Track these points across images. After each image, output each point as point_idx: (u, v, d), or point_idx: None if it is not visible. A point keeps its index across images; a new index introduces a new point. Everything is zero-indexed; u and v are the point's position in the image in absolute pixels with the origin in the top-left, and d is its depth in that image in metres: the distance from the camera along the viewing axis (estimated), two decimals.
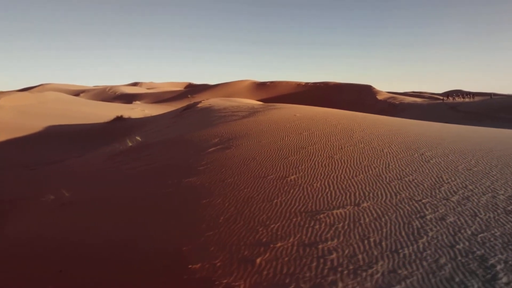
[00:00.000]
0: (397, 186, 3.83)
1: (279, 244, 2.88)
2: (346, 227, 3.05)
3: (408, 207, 3.32)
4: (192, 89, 66.89)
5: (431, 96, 54.67)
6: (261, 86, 62.24)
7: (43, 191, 6.74)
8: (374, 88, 54.01)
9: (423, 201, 3.43)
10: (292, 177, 4.33)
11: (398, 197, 3.56)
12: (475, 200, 3.37)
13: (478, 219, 3.00)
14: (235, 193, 4.09)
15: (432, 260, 2.48)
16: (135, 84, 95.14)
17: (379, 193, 3.70)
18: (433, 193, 3.60)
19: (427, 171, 4.26)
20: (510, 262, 2.36)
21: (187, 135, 8.28)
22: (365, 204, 3.45)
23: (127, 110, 30.22)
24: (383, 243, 2.75)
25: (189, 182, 4.82)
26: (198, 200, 4.11)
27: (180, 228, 3.57)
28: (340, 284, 2.31)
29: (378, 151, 5.18)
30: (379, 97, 49.90)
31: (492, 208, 3.16)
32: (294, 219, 3.27)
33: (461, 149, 5.18)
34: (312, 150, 5.39)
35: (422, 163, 4.57)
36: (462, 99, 43.70)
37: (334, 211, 3.35)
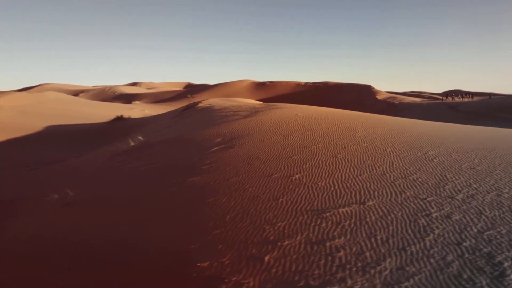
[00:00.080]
0: (401, 185, 3.85)
1: (286, 242, 2.90)
2: (352, 225, 3.07)
3: (413, 205, 3.34)
4: (192, 89, 66.85)
5: (431, 96, 54.79)
6: (260, 86, 62.25)
7: (47, 190, 6.75)
8: (373, 88, 54.08)
9: (428, 199, 3.45)
10: (297, 176, 4.35)
11: (403, 195, 3.59)
12: (480, 198, 3.39)
13: (483, 217, 3.02)
14: (241, 192, 4.10)
15: (439, 257, 2.50)
16: (134, 84, 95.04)
17: (384, 191, 3.72)
18: (438, 191, 3.63)
19: (431, 170, 4.29)
20: None
21: (189, 135, 8.30)
22: (370, 203, 3.47)
23: (127, 110, 30.20)
24: (390, 241, 2.77)
25: (193, 181, 4.83)
26: (203, 199, 4.12)
27: (186, 227, 3.58)
28: (349, 281, 2.33)
29: (382, 150, 5.20)
30: (379, 97, 49.97)
31: (497, 206, 3.19)
32: (301, 218, 3.29)
33: (464, 148, 5.20)
34: (315, 149, 5.41)
35: (425, 162, 4.59)
36: (461, 99, 43.80)
37: (340, 210, 3.37)
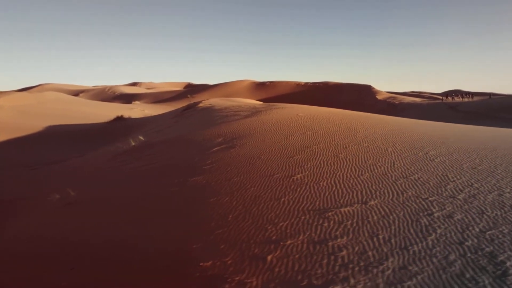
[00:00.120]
0: (403, 185, 3.86)
1: (289, 242, 2.91)
2: (354, 224, 3.08)
3: (415, 205, 3.35)
4: (192, 89, 66.85)
5: (431, 96, 54.81)
6: (260, 86, 62.26)
7: (47, 190, 6.75)
8: (373, 88, 54.10)
9: (430, 199, 3.46)
10: (298, 176, 4.35)
11: (405, 195, 3.59)
12: (482, 198, 3.40)
13: (485, 216, 3.03)
14: (242, 192, 4.11)
15: (441, 256, 2.51)
16: (134, 84, 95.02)
17: (385, 191, 3.73)
18: (439, 191, 3.63)
19: (432, 169, 4.29)
20: None
21: (190, 135, 8.30)
22: (372, 202, 3.48)
23: (127, 110, 30.20)
24: (392, 240, 2.78)
25: (194, 181, 4.84)
26: (205, 199, 4.13)
27: (188, 227, 3.59)
28: (352, 280, 2.34)
29: (383, 150, 5.21)
30: (379, 97, 49.98)
31: (499, 206, 3.19)
32: (303, 217, 3.30)
33: (465, 148, 5.21)
34: (316, 149, 5.42)
35: (426, 161, 4.60)
36: (461, 99, 43.82)
37: (342, 209, 3.38)
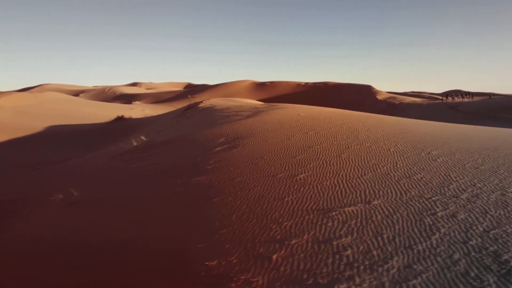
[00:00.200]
0: (406, 184, 3.88)
1: (293, 241, 2.92)
2: (358, 224, 3.10)
3: (418, 205, 3.37)
4: (192, 89, 66.87)
5: (431, 96, 54.86)
6: (260, 86, 62.29)
7: (50, 190, 6.77)
8: (373, 88, 54.14)
9: (433, 198, 3.48)
10: (302, 176, 4.37)
11: (408, 195, 3.61)
12: (485, 197, 3.42)
13: (489, 216, 3.05)
14: (246, 191, 4.13)
15: (446, 255, 2.52)
16: (134, 84, 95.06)
17: (388, 191, 3.75)
18: (442, 191, 3.65)
19: (434, 169, 4.31)
20: None
21: (192, 135, 8.32)
22: (375, 202, 3.49)
23: (127, 110, 30.24)
24: (397, 240, 2.80)
25: (198, 181, 4.86)
26: (209, 199, 4.15)
27: (193, 226, 3.61)
28: (357, 279, 2.35)
29: (385, 150, 5.23)
30: (379, 97, 50.03)
31: (502, 206, 3.21)
32: (307, 217, 3.32)
33: (467, 148, 5.23)
34: (319, 149, 5.44)
35: (429, 161, 4.62)
36: (461, 99, 43.86)
37: (346, 209, 3.40)
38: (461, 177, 4.01)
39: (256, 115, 9.28)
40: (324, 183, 4.10)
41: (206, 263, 2.83)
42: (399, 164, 4.55)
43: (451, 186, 3.76)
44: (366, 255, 2.62)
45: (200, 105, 17.06)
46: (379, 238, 2.84)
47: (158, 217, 4.18)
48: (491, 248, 2.56)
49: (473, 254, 2.51)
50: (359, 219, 3.17)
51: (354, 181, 4.09)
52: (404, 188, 3.79)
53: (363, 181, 4.05)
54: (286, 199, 3.76)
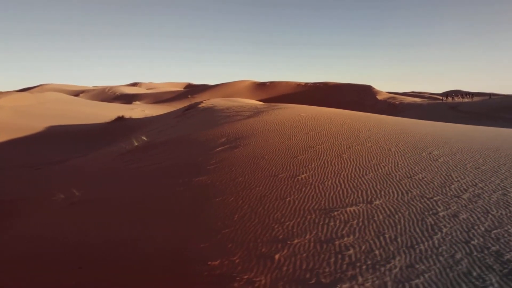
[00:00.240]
0: (407, 184, 3.89)
1: (296, 241, 2.93)
2: (360, 224, 3.10)
3: (420, 205, 3.37)
4: (192, 89, 66.88)
5: (431, 96, 54.88)
6: (261, 86, 62.30)
7: (51, 191, 6.78)
8: (374, 88, 54.15)
9: (435, 198, 3.49)
10: (303, 176, 4.38)
11: (410, 194, 3.62)
12: (486, 197, 3.43)
13: (490, 216, 3.06)
14: (247, 191, 4.14)
15: (448, 255, 2.53)
16: (134, 84, 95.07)
17: (390, 191, 3.76)
18: (444, 191, 3.66)
19: (436, 169, 4.32)
20: None
21: (193, 135, 8.33)
22: (377, 202, 3.50)
23: (127, 110, 30.24)
24: (399, 239, 2.81)
25: (199, 181, 4.87)
26: (210, 199, 4.15)
27: (195, 226, 3.62)
28: (360, 279, 2.36)
29: (386, 150, 5.24)
30: (379, 97, 50.04)
31: (504, 206, 3.22)
32: (309, 217, 3.33)
33: (468, 148, 5.24)
34: (320, 149, 5.45)
35: (430, 161, 4.63)
36: (461, 99, 43.89)
37: (348, 209, 3.41)
38: (462, 177, 4.02)
39: (257, 115, 9.29)
40: (326, 183, 4.11)
41: (209, 262, 2.84)
42: (400, 164, 4.56)
43: (453, 186, 3.77)
44: (369, 255, 2.63)
45: (201, 105, 17.07)
46: (381, 238, 2.85)
47: (159, 217, 4.19)
48: (493, 248, 2.57)
49: (475, 253, 2.52)
50: (361, 219, 3.18)
51: (356, 181, 4.10)
52: (405, 188, 3.80)
53: (365, 181, 4.06)
54: (288, 199, 3.77)
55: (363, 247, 2.74)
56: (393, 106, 42.87)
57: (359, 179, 4.13)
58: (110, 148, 11.78)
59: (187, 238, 3.41)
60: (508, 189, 3.59)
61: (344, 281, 2.36)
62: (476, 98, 43.66)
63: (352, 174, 4.33)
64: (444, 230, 2.88)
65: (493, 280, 2.22)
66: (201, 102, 18.86)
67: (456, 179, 3.95)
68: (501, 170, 4.18)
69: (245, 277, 2.56)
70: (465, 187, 3.72)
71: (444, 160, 4.67)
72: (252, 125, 7.93)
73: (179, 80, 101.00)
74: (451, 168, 4.35)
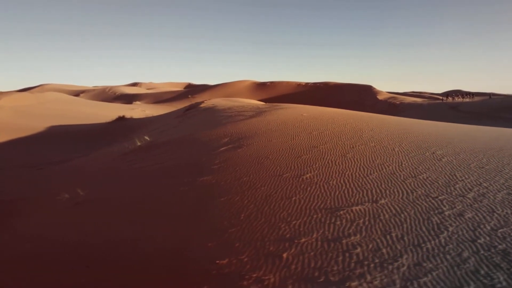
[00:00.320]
0: (412, 184, 3.91)
1: (303, 240, 2.95)
2: (367, 222, 3.13)
3: (425, 204, 3.40)
4: (192, 89, 66.88)
5: (431, 96, 54.93)
6: (261, 86, 62.32)
7: (53, 191, 6.79)
8: (374, 88, 54.19)
9: (440, 198, 3.51)
10: (308, 175, 4.40)
11: (415, 194, 3.64)
12: (491, 197, 3.45)
13: (496, 215, 3.08)
14: (253, 191, 4.16)
15: (455, 254, 2.55)
16: (134, 85, 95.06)
17: (395, 190, 3.78)
18: (449, 190, 3.68)
19: (440, 169, 4.34)
20: None
21: (196, 135, 8.35)
22: (382, 201, 3.52)
23: (128, 110, 30.24)
24: (405, 238, 2.83)
25: (204, 181, 4.89)
26: (216, 198, 4.17)
27: (201, 226, 3.63)
28: (368, 277, 2.38)
29: (390, 149, 5.26)
30: (380, 97, 50.08)
31: (509, 205, 3.24)
32: (315, 216, 3.35)
33: (472, 147, 5.26)
34: (324, 149, 5.47)
35: (434, 161, 4.65)
36: (461, 99, 43.93)
37: (353, 208, 3.43)
38: (466, 176, 4.04)
39: (259, 115, 9.31)
40: (331, 182, 4.13)
41: (217, 261, 2.86)
42: (404, 164, 4.58)
43: (457, 185, 3.79)
44: (376, 253, 2.65)
45: (202, 105, 17.09)
46: (388, 237, 2.87)
47: (164, 217, 4.20)
48: (500, 247, 2.59)
49: (482, 252, 2.54)
50: (367, 218, 3.20)
51: (360, 180, 4.12)
52: (410, 187, 3.82)
53: (369, 181, 4.09)
54: (294, 198, 3.79)
55: (370, 245, 2.76)
56: (394, 106, 42.90)
57: (364, 179, 4.16)
58: (110, 148, 11.79)
59: (193, 238, 3.43)
60: None
61: (353, 279, 2.38)
62: (476, 98, 43.71)
63: (357, 173, 4.35)
64: (450, 229, 2.90)
65: (501, 278, 2.24)
66: (202, 102, 18.87)
67: (460, 179, 3.97)
68: (505, 169, 4.20)
69: (254, 275, 2.58)
70: (469, 186, 3.75)
71: (448, 159, 4.69)
72: (255, 125, 7.95)
73: (179, 80, 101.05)
74: (455, 167, 4.37)
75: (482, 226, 2.90)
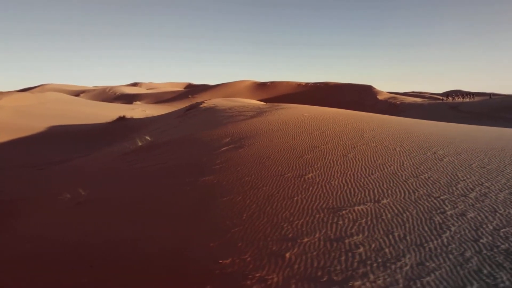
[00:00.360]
0: (414, 184, 3.92)
1: (306, 239, 2.96)
2: (369, 222, 3.13)
3: (427, 204, 3.40)
4: (192, 89, 66.89)
5: (431, 96, 54.95)
6: (261, 86, 62.33)
7: (55, 191, 6.80)
8: (374, 88, 54.20)
9: (442, 197, 3.51)
10: (310, 175, 4.41)
11: (416, 194, 3.65)
12: (493, 196, 3.46)
13: (498, 214, 3.08)
14: (255, 191, 4.16)
15: (458, 253, 2.56)
16: (134, 85, 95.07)
17: (397, 190, 3.78)
18: (451, 190, 3.69)
19: (441, 169, 4.35)
20: None
21: (197, 135, 8.35)
22: (385, 201, 3.53)
23: (128, 111, 30.24)
24: (408, 238, 2.83)
25: (205, 180, 4.89)
26: (218, 198, 4.18)
27: (204, 226, 3.64)
28: (371, 276, 2.39)
29: (391, 149, 5.27)
30: (380, 97, 50.08)
31: (511, 204, 3.25)
32: (317, 216, 3.35)
33: (473, 147, 5.27)
34: (325, 149, 5.48)
35: (435, 161, 4.66)
36: (462, 99, 43.95)
37: (355, 208, 3.43)
38: (468, 176, 4.05)
39: (260, 115, 9.32)
40: (332, 182, 4.14)
41: (220, 261, 2.86)
42: (406, 164, 4.59)
43: (459, 185, 3.80)
44: (379, 253, 2.66)
45: (202, 105, 17.10)
46: (390, 236, 2.87)
47: (165, 217, 4.21)
48: (503, 246, 2.59)
49: (484, 252, 2.55)
50: (369, 218, 3.21)
51: (362, 180, 4.13)
52: (412, 187, 3.83)
53: (371, 181, 4.09)
54: (296, 198, 3.80)
55: (373, 245, 2.77)
56: (394, 106, 42.91)
57: (366, 179, 4.16)
58: (111, 148, 11.80)
59: (191, 238, 3.44)
60: None
61: (356, 278, 2.39)
62: (476, 98, 43.73)
63: (358, 173, 4.36)
64: (453, 228, 2.91)
65: (504, 277, 2.25)
66: (203, 102, 18.88)
67: (462, 179, 3.98)
68: (506, 169, 4.21)
69: (257, 275, 2.59)
70: (471, 186, 3.75)
71: (449, 159, 4.70)
72: (256, 125, 7.95)
73: (180, 80, 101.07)
74: (456, 167, 4.37)
75: (484, 226, 2.91)
